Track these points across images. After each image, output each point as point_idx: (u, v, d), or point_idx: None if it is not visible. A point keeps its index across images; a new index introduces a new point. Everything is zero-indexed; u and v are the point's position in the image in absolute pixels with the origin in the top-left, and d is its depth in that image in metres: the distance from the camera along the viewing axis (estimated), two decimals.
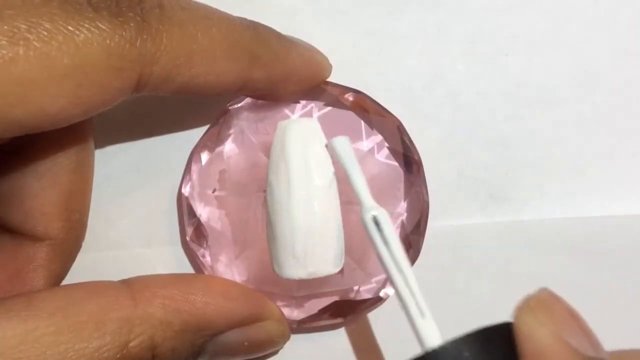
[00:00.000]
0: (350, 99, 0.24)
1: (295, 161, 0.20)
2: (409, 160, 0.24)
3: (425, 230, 0.24)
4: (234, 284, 0.22)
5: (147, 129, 0.25)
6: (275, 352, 0.24)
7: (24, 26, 0.16)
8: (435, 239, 0.24)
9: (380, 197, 0.23)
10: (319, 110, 0.24)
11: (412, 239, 0.23)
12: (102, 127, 0.24)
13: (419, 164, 0.24)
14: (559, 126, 0.25)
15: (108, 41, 0.17)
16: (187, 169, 0.24)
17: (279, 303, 0.23)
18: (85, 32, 0.17)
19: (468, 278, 0.25)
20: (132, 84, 0.18)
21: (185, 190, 0.24)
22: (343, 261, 0.21)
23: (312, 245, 0.20)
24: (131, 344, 0.18)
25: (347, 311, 0.24)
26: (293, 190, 0.20)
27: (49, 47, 0.16)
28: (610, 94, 0.25)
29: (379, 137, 0.24)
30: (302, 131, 0.20)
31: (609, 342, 0.25)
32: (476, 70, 0.25)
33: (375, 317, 0.25)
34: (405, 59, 0.25)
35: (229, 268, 0.24)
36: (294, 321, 0.23)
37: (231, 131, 0.24)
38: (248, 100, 0.24)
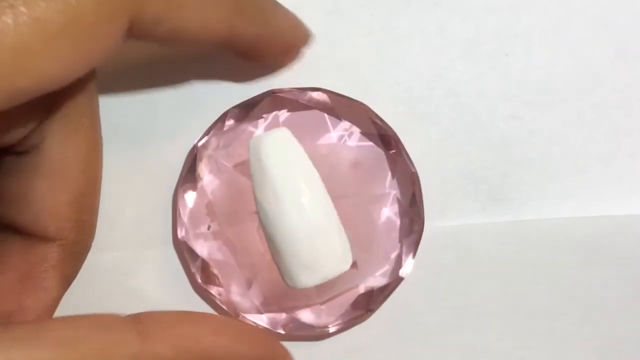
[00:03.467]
0: (311, 97, 0.24)
1: (277, 173, 0.20)
2: (385, 137, 0.24)
3: (422, 200, 0.23)
4: (244, 325, 0.22)
5: (146, 129, 0.25)
6: None
7: None
8: (435, 239, 0.24)
9: (368, 181, 0.24)
10: (281, 119, 0.24)
11: (412, 212, 0.23)
12: (103, 126, 0.24)
13: (395, 138, 0.23)
14: (559, 126, 0.25)
15: None
16: (176, 213, 0.24)
17: (305, 312, 0.23)
18: None
19: (468, 278, 0.25)
20: (124, 28, 0.18)
21: (181, 235, 0.24)
22: (352, 255, 0.21)
23: (317, 250, 0.20)
24: None
25: (374, 300, 0.24)
26: (282, 202, 0.20)
27: (36, 9, 0.16)
28: (610, 94, 0.25)
29: (347, 124, 0.24)
30: (274, 142, 0.20)
31: (609, 342, 0.25)
32: (476, 70, 0.25)
33: (377, 318, 0.25)
34: (405, 59, 0.25)
35: (244, 297, 0.24)
36: (325, 325, 0.24)
37: (205, 164, 0.24)
38: (213, 131, 0.24)
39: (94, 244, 0.25)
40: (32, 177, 0.21)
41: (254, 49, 0.22)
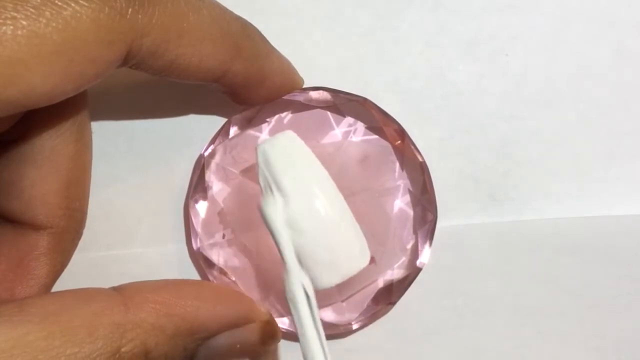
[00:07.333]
0: (312, 97, 0.24)
1: (286, 178, 0.20)
2: (390, 130, 0.24)
3: (432, 188, 0.23)
4: (223, 287, 0.22)
5: (148, 129, 0.25)
6: (267, 355, 0.24)
7: (10, 5, 0.16)
8: (436, 239, 0.24)
9: (377, 175, 0.24)
10: (284, 121, 0.24)
11: (424, 200, 0.23)
12: (103, 126, 0.25)
13: (400, 131, 0.24)
14: (559, 126, 0.25)
15: (98, 13, 0.17)
16: (189, 224, 0.24)
17: (327, 311, 0.23)
18: (73, 5, 0.16)
19: (468, 278, 0.25)
20: (121, 56, 0.18)
21: (196, 246, 0.24)
22: (369, 250, 0.21)
23: (335, 250, 0.20)
24: (123, 349, 0.18)
25: (394, 293, 0.24)
26: (294, 205, 0.20)
27: (37, 24, 0.16)
28: (610, 94, 0.25)
29: (350, 120, 0.24)
30: (281, 147, 0.20)
31: (610, 342, 0.25)
32: (476, 70, 0.25)
33: (384, 321, 0.25)
34: (405, 59, 0.25)
35: (264, 301, 0.24)
36: (348, 322, 0.24)
37: (213, 172, 0.24)
38: (219, 139, 0.24)
39: (94, 243, 0.25)
40: (21, 165, 0.21)
41: (243, 88, 0.22)
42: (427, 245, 0.24)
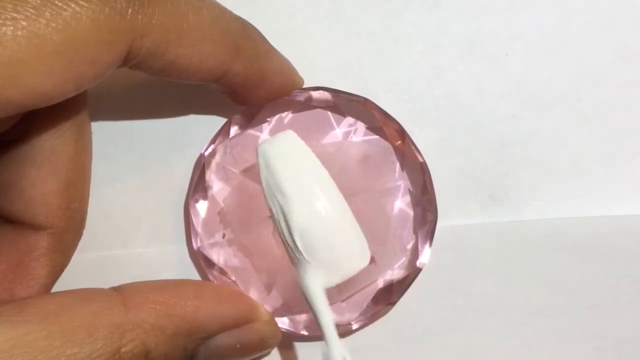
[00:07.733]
0: (313, 97, 0.24)
1: (287, 178, 0.20)
2: (391, 130, 0.24)
3: (433, 188, 0.24)
4: (223, 287, 0.22)
5: (148, 129, 0.25)
6: (267, 354, 0.24)
7: (10, 5, 0.16)
8: (436, 239, 0.24)
9: (377, 175, 0.24)
10: (285, 121, 0.24)
11: (424, 200, 0.23)
12: (103, 126, 0.25)
13: (401, 131, 0.24)
14: (559, 126, 0.25)
15: (97, 14, 0.17)
16: (190, 224, 0.24)
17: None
18: (73, 6, 0.17)
19: (468, 278, 0.25)
20: (122, 57, 0.18)
21: (196, 245, 0.24)
22: (369, 250, 0.21)
23: (335, 250, 0.20)
24: (123, 349, 0.18)
25: (394, 293, 0.24)
26: (295, 206, 0.20)
27: (37, 25, 0.16)
28: (610, 94, 0.25)
29: (351, 120, 0.24)
30: (281, 147, 0.20)
31: (610, 342, 0.25)
32: (476, 70, 0.25)
33: (384, 321, 0.25)
34: (405, 59, 0.25)
35: (264, 301, 0.24)
36: (348, 323, 0.24)
37: (213, 172, 0.24)
38: (219, 138, 0.24)
39: (94, 243, 0.25)
40: (21, 166, 0.21)
41: (242, 88, 0.22)
42: (427, 246, 0.24)
